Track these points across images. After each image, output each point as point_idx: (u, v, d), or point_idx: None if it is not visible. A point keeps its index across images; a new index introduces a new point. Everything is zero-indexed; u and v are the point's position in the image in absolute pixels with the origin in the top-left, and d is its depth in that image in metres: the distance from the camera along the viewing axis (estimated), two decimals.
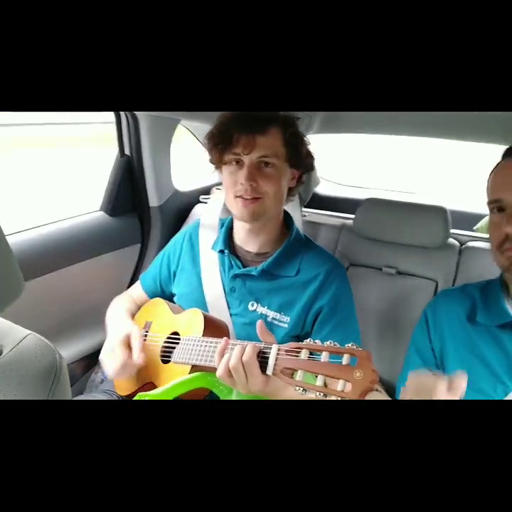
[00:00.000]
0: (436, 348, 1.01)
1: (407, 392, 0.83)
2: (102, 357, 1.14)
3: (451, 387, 0.76)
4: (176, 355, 1.06)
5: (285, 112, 1.13)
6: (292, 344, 0.79)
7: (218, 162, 1.13)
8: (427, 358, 1.03)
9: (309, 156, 1.18)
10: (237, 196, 1.09)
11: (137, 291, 1.37)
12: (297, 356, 0.77)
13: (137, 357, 1.06)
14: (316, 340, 0.77)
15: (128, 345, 1.09)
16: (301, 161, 1.15)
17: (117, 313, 1.26)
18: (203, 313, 1.07)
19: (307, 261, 1.15)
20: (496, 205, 0.91)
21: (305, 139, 1.16)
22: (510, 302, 0.95)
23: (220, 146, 1.09)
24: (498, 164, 0.96)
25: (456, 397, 0.76)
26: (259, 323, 0.88)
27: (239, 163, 1.08)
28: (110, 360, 1.09)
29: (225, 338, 0.93)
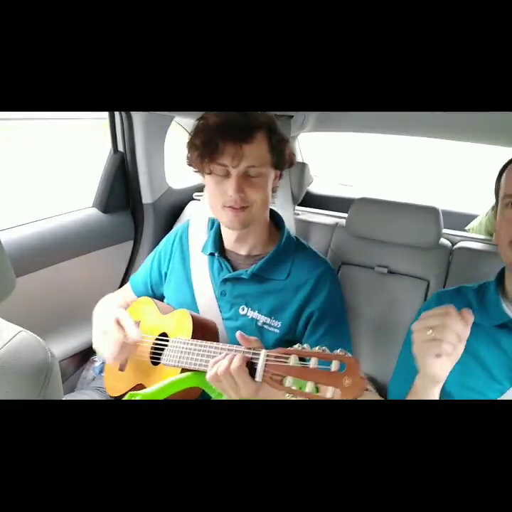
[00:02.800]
0: None
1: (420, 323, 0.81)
2: (95, 344, 1.12)
3: (462, 316, 0.77)
4: (165, 358, 1.06)
5: (269, 116, 1.10)
6: (281, 350, 0.79)
7: (202, 171, 1.09)
8: None
9: (291, 156, 1.16)
10: (225, 206, 1.06)
11: (127, 293, 1.36)
12: (286, 362, 0.77)
13: (133, 332, 1.04)
14: (305, 346, 0.77)
15: (120, 325, 1.06)
16: (285, 163, 1.14)
17: (105, 307, 1.25)
18: (192, 314, 1.07)
19: (298, 264, 1.14)
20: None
21: (287, 139, 1.14)
22: (507, 303, 0.96)
23: (206, 158, 1.05)
24: None
25: (466, 329, 0.76)
26: (237, 335, 0.88)
27: (224, 172, 1.05)
28: (105, 344, 1.07)
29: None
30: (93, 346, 1.14)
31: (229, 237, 1.17)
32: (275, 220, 1.22)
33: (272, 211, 1.21)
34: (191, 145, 1.10)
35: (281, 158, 1.11)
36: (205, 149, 1.05)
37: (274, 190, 1.17)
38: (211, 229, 1.23)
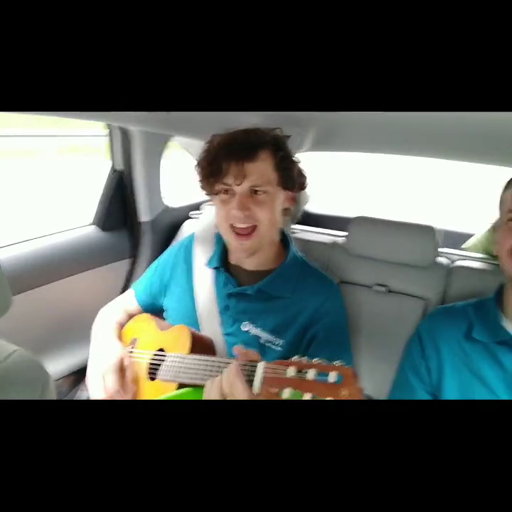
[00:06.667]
0: (433, 366, 1.01)
1: None
2: (88, 381, 1.11)
3: None
4: (161, 373, 1.04)
5: (274, 133, 1.10)
6: (279, 361, 0.79)
7: (210, 192, 1.11)
8: (422, 376, 1.03)
9: (301, 176, 1.16)
10: (231, 226, 1.06)
11: (129, 300, 1.35)
12: (284, 374, 0.77)
13: (129, 391, 1.05)
14: (303, 358, 0.77)
15: (118, 373, 1.06)
16: (294, 183, 1.13)
17: (106, 330, 1.23)
18: (190, 330, 1.06)
19: (304, 284, 1.14)
20: None
21: (295, 159, 1.14)
22: (505, 320, 0.97)
23: (211, 178, 1.06)
24: None
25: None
26: (235, 349, 0.85)
27: (229, 191, 1.06)
28: (98, 387, 1.07)
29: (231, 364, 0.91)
30: (87, 377, 1.12)
31: (235, 253, 1.17)
32: (282, 238, 1.22)
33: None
34: (198, 166, 1.11)
35: (289, 177, 1.10)
36: (209, 170, 1.06)
37: (286, 214, 1.16)
38: (217, 243, 1.23)
